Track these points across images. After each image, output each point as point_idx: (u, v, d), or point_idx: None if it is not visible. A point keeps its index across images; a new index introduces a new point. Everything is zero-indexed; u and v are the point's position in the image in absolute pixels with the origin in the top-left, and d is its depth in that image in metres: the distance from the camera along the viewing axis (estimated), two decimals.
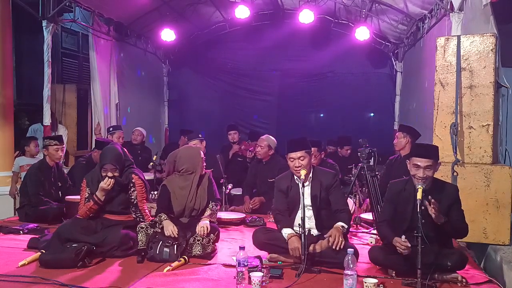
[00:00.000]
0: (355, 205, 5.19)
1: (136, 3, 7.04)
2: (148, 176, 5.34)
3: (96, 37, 7.27)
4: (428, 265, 3.10)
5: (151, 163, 6.19)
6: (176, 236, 3.81)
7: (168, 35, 8.02)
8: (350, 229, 4.69)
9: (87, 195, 4.04)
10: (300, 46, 9.33)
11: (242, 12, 7.68)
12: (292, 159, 3.67)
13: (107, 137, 6.64)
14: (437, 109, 4.49)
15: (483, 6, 4.54)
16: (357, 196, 5.30)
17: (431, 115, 4.66)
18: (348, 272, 2.95)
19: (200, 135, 5.90)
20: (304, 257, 3.35)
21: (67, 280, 3.24)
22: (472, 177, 4.23)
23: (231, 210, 5.59)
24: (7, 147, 6.37)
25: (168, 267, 3.50)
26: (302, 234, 3.39)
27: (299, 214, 3.57)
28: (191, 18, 8.64)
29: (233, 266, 3.32)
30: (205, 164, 4.26)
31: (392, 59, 8.84)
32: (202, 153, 4.25)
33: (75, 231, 3.83)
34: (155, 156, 6.28)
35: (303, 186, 3.59)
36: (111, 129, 6.75)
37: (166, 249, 3.70)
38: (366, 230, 4.81)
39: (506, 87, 4.49)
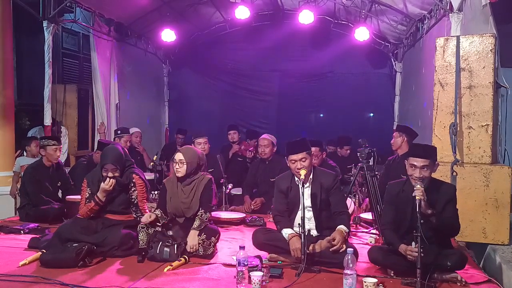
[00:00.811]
0: (355, 205, 5.21)
1: (137, 4, 7.05)
2: (148, 176, 5.35)
3: (96, 37, 7.28)
4: (428, 265, 3.11)
5: (151, 163, 6.20)
6: (148, 222, 3.80)
7: (168, 35, 8.03)
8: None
9: (87, 195, 4.05)
10: (300, 46, 9.34)
11: (242, 13, 7.69)
12: (293, 161, 3.65)
13: (114, 140, 6.60)
14: (437, 109, 4.50)
15: (482, 7, 4.55)
16: (357, 196, 5.31)
17: (430, 115, 4.67)
18: (348, 271, 2.96)
19: (205, 136, 5.90)
20: (304, 257, 3.36)
21: (68, 279, 3.25)
22: (471, 177, 4.24)
23: (231, 210, 5.60)
24: (8, 147, 6.38)
25: (169, 267, 3.51)
26: (302, 234, 3.40)
27: (299, 215, 3.57)
28: (191, 19, 8.64)
29: (233, 266, 3.33)
30: (202, 164, 4.12)
31: (392, 59, 8.85)
32: (199, 155, 4.11)
33: (76, 231, 3.85)
34: (155, 156, 6.29)
35: (303, 186, 3.60)
36: (119, 131, 6.61)
37: (166, 249, 3.70)
38: (366, 230, 4.83)
39: (505, 87, 4.50)
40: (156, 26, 8.12)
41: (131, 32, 8.19)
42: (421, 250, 3.02)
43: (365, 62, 9.20)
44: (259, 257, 3.60)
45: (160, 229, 3.93)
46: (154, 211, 4.01)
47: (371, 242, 4.35)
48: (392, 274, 3.39)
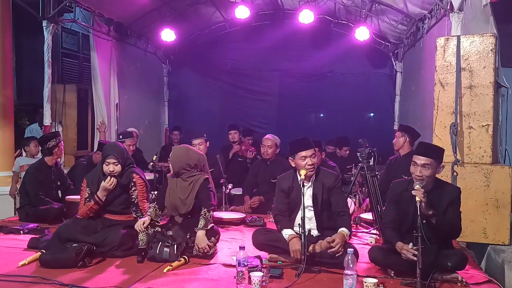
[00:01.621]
0: (355, 205, 5.20)
1: (136, 3, 7.04)
2: (148, 176, 5.34)
3: (96, 37, 7.28)
4: (428, 265, 3.10)
5: (151, 163, 6.19)
6: (140, 229, 3.78)
7: (168, 35, 8.02)
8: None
9: (87, 195, 4.04)
10: (300, 46, 9.33)
11: (242, 12, 7.69)
12: (304, 158, 3.64)
13: (105, 137, 6.60)
14: (437, 109, 4.50)
15: (483, 6, 4.55)
16: (357, 196, 5.30)
17: (431, 115, 4.67)
18: (348, 272, 2.95)
19: (204, 135, 5.90)
20: (304, 257, 3.35)
21: (68, 280, 3.25)
22: (472, 177, 4.23)
23: (231, 210, 5.60)
24: (7, 147, 6.37)
25: (168, 267, 3.50)
26: (302, 234, 3.39)
27: (299, 215, 3.56)
28: (191, 18, 8.64)
29: (233, 266, 3.32)
30: (195, 165, 4.06)
31: (392, 59, 8.85)
32: (189, 155, 4.06)
33: (75, 231, 3.84)
34: (155, 156, 6.28)
35: (303, 186, 3.59)
36: (121, 136, 6.43)
37: (166, 249, 3.70)
38: (366, 230, 4.82)
39: (505, 87, 4.49)
40: (156, 26, 8.12)
41: (131, 32, 8.19)
42: (420, 250, 3.01)
43: (365, 62, 9.20)
44: (259, 257, 3.59)
45: (160, 229, 3.92)
46: (149, 206, 4.02)
47: (371, 242, 4.34)
48: (392, 274, 3.38)
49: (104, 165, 3.99)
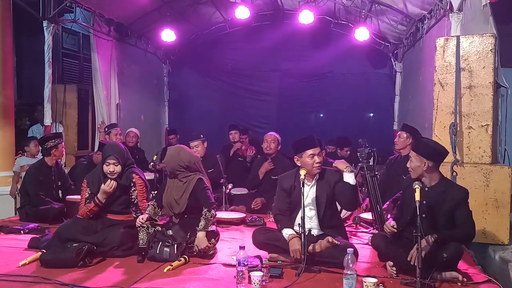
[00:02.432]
0: None
1: (137, 4, 7.05)
2: (149, 176, 5.35)
3: (96, 37, 7.29)
4: (425, 258, 3.10)
5: (151, 163, 6.20)
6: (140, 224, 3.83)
7: (168, 35, 8.03)
8: (350, 229, 4.75)
9: (87, 195, 4.05)
10: (300, 46, 9.33)
11: (242, 13, 7.70)
12: (312, 156, 3.64)
13: (105, 138, 6.65)
14: (437, 109, 4.50)
15: (483, 7, 4.55)
16: None
17: (430, 115, 4.67)
18: (348, 271, 2.96)
19: (201, 136, 5.91)
20: (304, 257, 3.36)
21: (68, 280, 3.26)
22: (471, 177, 4.24)
23: (231, 210, 5.60)
24: (8, 147, 6.38)
25: (169, 267, 3.51)
26: (302, 234, 3.40)
27: (300, 214, 3.56)
28: (191, 19, 8.65)
29: (233, 266, 3.33)
30: (186, 166, 4.03)
31: (392, 59, 8.85)
32: (182, 155, 4.05)
33: (76, 231, 3.85)
34: (155, 156, 6.28)
35: (303, 186, 3.60)
36: (106, 129, 6.74)
37: (166, 249, 3.71)
38: (366, 230, 4.83)
39: (505, 87, 4.50)
40: (156, 26, 8.13)
41: (131, 32, 8.20)
42: (420, 249, 3.03)
43: (365, 62, 9.20)
44: (259, 257, 3.60)
45: (160, 229, 3.93)
46: (148, 204, 4.04)
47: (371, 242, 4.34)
48: (393, 269, 3.38)
49: (104, 165, 4.00)
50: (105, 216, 4.06)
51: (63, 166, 5.89)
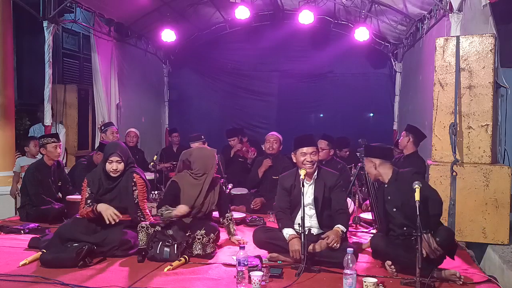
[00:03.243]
0: (355, 205, 5.21)
1: (137, 4, 7.05)
2: (149, 176, 5.35)
3: (97, 37, 7.29)
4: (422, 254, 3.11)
5: (151, 163, 6.20)
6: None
7: (168, 35, 8.03)
8: (350, 229, 4.74)
9: (87, 195, 4.05)
10: (300, 46, 9.35)
11: (242, 13, 7.70)
12: (304, 154, 3.69)
13: (101, 137, 6.66)
14: (436, 109, 4.51)
15: (482, 7, 4.55)
16: (357, 196, 5.31)
17: (430, 115, 4.68)
18: (348, 271, 2.97)
19: (202, 137, 5.91)
20: (303, 257, 3.36)
21: (68, 279, 3.26)
22: (471, 177, 4.24)
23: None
24: (8, 147, 6.38)
25: (169, 267, 3.51)
26: (302, 234, 3.40)
27: (300, 214, 3.57)
28: (192, 19, 8.65)
29: (233, 266, 3.34)
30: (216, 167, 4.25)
31: (392, 59, 8.86)
32: (216, 156, 4.31)
33: (76, 230, 3.85)
34: (155, 156, 6.29)
35: (303, 185, 3.60)
36: (102, 127, 6.71)
37: (166, 249, 3.71)
38: (366, 230, 4.83)
39: (505, 87, 4.50)
40: (156, 26, 8.13)
41: (131, 32, 8.21)
42: (409, 243, 3.09)
43: (365, 62, 9.22)
44: (259, 257, 3.60)
45: (160, 229, 3.93)
46: (162, 209, 3.97)
47: None
48: (393, 269, 3.39)
49: (107, 163, 3.99)
50: None
51: (64, 167, 5.88)
